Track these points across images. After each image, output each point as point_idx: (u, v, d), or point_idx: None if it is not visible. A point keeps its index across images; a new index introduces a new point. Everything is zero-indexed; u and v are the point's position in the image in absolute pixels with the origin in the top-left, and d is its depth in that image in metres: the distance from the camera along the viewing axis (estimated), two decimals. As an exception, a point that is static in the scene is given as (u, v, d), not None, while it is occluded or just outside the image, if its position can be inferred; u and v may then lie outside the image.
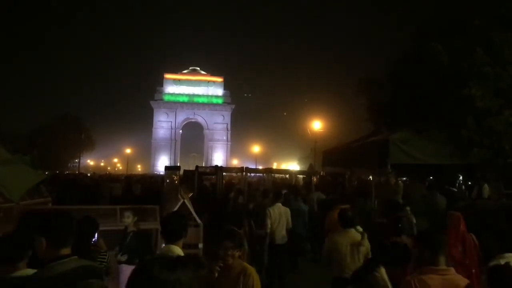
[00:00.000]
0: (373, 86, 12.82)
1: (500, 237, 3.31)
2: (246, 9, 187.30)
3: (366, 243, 5.06)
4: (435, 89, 9.00)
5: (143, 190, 14.37)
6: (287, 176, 19.16)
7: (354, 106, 21.69)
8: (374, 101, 12.92)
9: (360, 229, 5.39)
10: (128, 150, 79.35)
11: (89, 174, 34.86)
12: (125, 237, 5.89)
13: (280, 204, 7.99)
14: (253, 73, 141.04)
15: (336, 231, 5.34)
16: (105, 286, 2.54)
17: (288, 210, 8.08)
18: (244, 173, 14.54)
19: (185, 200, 7.66)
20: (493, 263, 2.95)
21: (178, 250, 3.57)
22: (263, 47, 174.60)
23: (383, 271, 3.42)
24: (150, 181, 22.00)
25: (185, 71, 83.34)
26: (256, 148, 71.88)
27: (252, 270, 3.26)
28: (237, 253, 3.24)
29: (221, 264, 3.13)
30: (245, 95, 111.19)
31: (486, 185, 10.20)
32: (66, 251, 2.47)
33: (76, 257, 2.51)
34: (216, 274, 3.05)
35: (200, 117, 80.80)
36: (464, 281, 2.93)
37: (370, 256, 4.91)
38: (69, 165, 58.48)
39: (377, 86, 12.68)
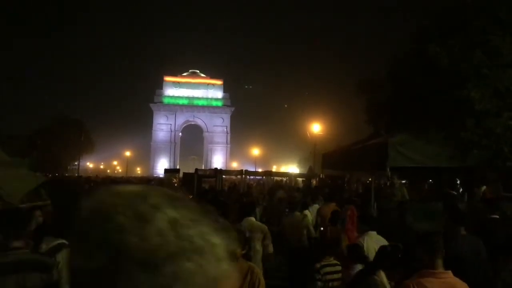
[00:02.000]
0: (372, 86, 12.82)
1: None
2: (246, 11, 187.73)
3: (305, 222, 7.49)
4: (434, 90, 9.00)
5: None
6: (285, 179, 19.15)
7: (353, 108, 21.71)
8: (373, 101, 12.92)
9: (307, 213, 7.90)
10: (127, 153, 79.32)
11: (89, 176, 34.82)
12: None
13: (316, 205, 9.11)
14: (253, 75, 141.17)
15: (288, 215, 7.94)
16: (51, 279, 2.60)
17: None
18: (243, 175, 14.56)
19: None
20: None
21: (252, 220, 5.82)
22: (263, 49, 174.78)
23: (382, 274, 3.44)
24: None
25: (184, 74, 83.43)
26: (255, 151, 71.87)
27: (258, 270, 3.37)
28: (238, 251, 3.27)
29: None
30: (246, 87, 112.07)
31: (484, 187, 10.19)
32: (16, 243, 2.58)
33: (27, 250, 2.61)
34: None
35: (200, 120, 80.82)
36: (462, 284, 2.93)
37: (311, 231, 7.50)
38: (68, 167, 58.43)
39: (376, 87, 12.68)
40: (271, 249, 5.75)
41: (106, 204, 0.57)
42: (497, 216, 5.67)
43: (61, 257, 3.00)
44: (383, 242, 4.53)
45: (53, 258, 2.96)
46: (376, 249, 4.23)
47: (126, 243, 0.52)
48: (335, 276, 4.42)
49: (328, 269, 4.42)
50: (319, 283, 4.33)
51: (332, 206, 7.96)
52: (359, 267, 4.10)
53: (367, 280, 3.43)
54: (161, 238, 0.53)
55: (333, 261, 4.56)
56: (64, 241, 3.14)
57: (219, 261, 0.56)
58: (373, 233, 4.73)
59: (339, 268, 4.51)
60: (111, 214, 0.55)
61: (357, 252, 4.31)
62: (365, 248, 4.48)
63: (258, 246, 5.59)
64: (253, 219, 5.90)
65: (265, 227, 5.93)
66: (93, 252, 0.53)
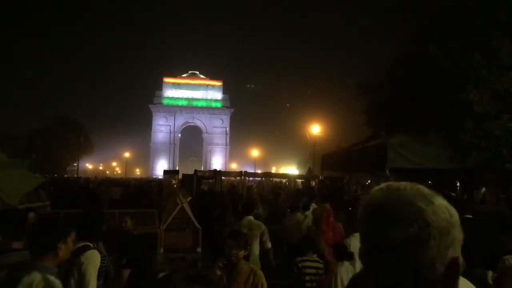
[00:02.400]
0: (372, 88, 12.82)
1: None
2: (246, 13, 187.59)
3: (306, 222, 7.61)
4: (434, 92, 9.02)
5: (123, 195, 14.55)
6: (284, 180, 19.14)
7: (353, 110, 21.70)
8: (373, 102, 12.92)
9: (308, 213, 7.97)
10: (126, 154, 79.32)
11: (89, 177, 34.77)
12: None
13: (314, 205, 9.24)
14: (253, 76, 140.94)
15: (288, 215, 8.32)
16: (50, 281, 2.62)
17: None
18: (243, 177, 14.56)
19: (184, 204, 7.67)
20: None
21: (251, 218, 6.26)
22: (262, 50, 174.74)
23: None
24: (135, 185, 21.97)
25: (184, 75, 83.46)
26: (255, 152, 71.90)
27: (260, 272, 3.38)
28: (241, 253, 3.31)
29: (224, 262, 3.23)
30: (248, 86, 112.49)
31: (484, 189, 10.22)
32: (16, 245, 2.61)
33: (26, 251, 2.63)
34: (219, 272, 3.14)
35: (199, 121, 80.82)
36: (465, 283, 2.92)
37: (311, 230, 7.38)
38: (67, 168, 58.39)
39: (376, 88, 12.68)
40: (269, 245, 6.13)
41: (399, 196, 0.91)
42: (470, 216, 6.04)
43: (85, 258, 3.07)
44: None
45: (78, 258, 3.02)
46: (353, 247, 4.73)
47: (428, 219, 0.85)
48: (313, 271, 4.76)
49: (308, 263, 4.75)
50: (293, 275, 4.70)
51: (326, 206, 8.14)
52: (345, 264, 4.43)
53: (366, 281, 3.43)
54: (444, 215, 0.88)
55: (314, 257, 4.92)
56: (88, 243, 3.22)
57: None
58: (357, 234, 5.02)
59: (319, 264, 4.87)
60: (411, 201, 0.88)
61: (342, 250, 4.62)
62: (352, 248, 4.72)
63: (255, 245, 5.93)
64: (252, 218, 6.33)
65: (263, 225, 6.28)
66: (407, 227, 0.85)
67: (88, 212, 3.70)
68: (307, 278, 4.69)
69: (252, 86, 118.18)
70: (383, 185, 0.97)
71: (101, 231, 3.48)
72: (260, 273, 3.35)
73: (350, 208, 8.56)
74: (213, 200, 10.02)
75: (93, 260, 3.09)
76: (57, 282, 2.41)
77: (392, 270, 0.90)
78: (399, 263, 0.88)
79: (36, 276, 2.30)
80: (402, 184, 0.94)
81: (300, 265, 4.73)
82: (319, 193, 12.56)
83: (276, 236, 8.89)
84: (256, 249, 5.91)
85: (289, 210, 8.82)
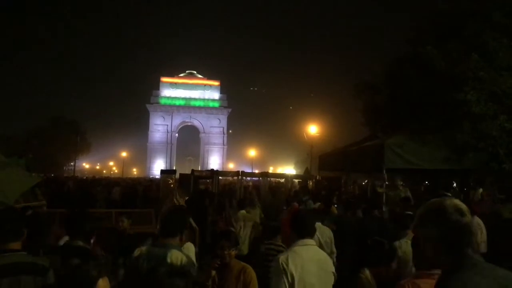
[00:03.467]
0: (370, 89, 12.82)
1: None
2: (245, 13, 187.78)
3: None
4: (431, 93, 9.03)
5: (122, 194, 14.51)
6: (282, 180, 19.11)
7: (350, 110, 21.72)
8: (371, 102, 12.91)
9: None
10: (124, 154, 79.15)
11: (85, 177, 34.70)
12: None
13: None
14: (251, 76, 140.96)
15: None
16: (45, 282, 2.58)
17: None
18: (240, 177, 14.53)
19: (181, 204, 7.64)
20: None
21: (244, 212, 7.59)
22: (260, 50, 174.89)
23: (367, 272, 3.44)
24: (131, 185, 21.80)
25: (181, 75, 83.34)
26: (252, 152, 71.85)
27: (250, 268, 3.44)
28: (233, 252, 3.39)
29: (219, 262, 3.31)
30: (251, 88, 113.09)
31: (481, 190, 10.22)
32: (13, 245, 2.56)
33: (23, 252, 2.59)
34: (214, 272, 3.20)
35: (196, 121, 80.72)
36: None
37: None
38: (64, 168, 58.24)
39: (374, 89, 12.68)
40: (258, 234, 7.35)
41: (451, 200, 1.60)
42: (411, 213, 6.39)
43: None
44: (328, 232, 5.70)
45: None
46: (320, 236, 5.41)
47: (468, 213, 1.55)
48: (275, 253, 5.19)
49: (272, 247, 5.30)
50: (259, 257, 5.29)
51: (318, 205, 8.48)
52: None
53: (353, 279, 3.45)
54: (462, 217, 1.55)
55: (279, 242, 5.45)
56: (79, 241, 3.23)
57: None
58: (319, 224, 5.51)
59: (282, 249, 5.29)
60: (458, 204, 1.57)
61: None
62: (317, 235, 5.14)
63: (250, 232, 7.48)
64: (245, 212, 7.67)
65: (253, 217, 7.80)
66: (462, 215, 1.53)
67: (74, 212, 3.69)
68: (270, 258, 5.22)
69: (256, 88, 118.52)
70: (435, 200, 1.64)
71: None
72: (250, 270, 3.41)
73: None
74: (208, 199, 10.08)
75: None
76: (191, 257, 3.14)
77: (457, 245, 1.50)
78: (463, 237, 1.51)
79: (178, 252, 2.93)
80: (444, 197, 1.61)
81: (264, 248, 5.38)
82: (315, 193, 12.56)
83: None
84: (251, 236, 7.41)
85: (285, 208, 8.95)
